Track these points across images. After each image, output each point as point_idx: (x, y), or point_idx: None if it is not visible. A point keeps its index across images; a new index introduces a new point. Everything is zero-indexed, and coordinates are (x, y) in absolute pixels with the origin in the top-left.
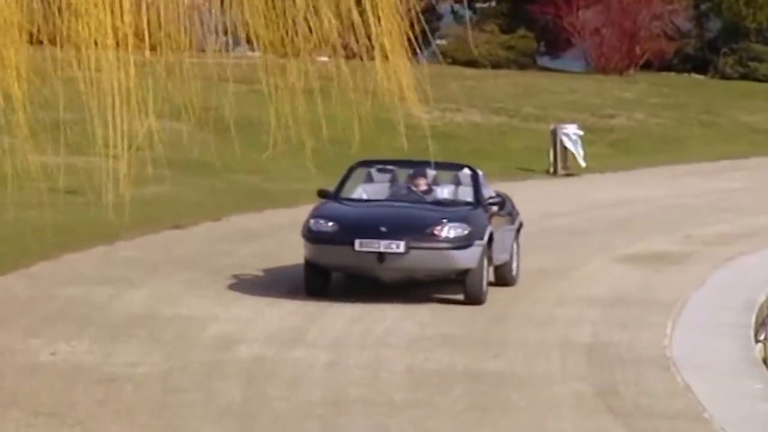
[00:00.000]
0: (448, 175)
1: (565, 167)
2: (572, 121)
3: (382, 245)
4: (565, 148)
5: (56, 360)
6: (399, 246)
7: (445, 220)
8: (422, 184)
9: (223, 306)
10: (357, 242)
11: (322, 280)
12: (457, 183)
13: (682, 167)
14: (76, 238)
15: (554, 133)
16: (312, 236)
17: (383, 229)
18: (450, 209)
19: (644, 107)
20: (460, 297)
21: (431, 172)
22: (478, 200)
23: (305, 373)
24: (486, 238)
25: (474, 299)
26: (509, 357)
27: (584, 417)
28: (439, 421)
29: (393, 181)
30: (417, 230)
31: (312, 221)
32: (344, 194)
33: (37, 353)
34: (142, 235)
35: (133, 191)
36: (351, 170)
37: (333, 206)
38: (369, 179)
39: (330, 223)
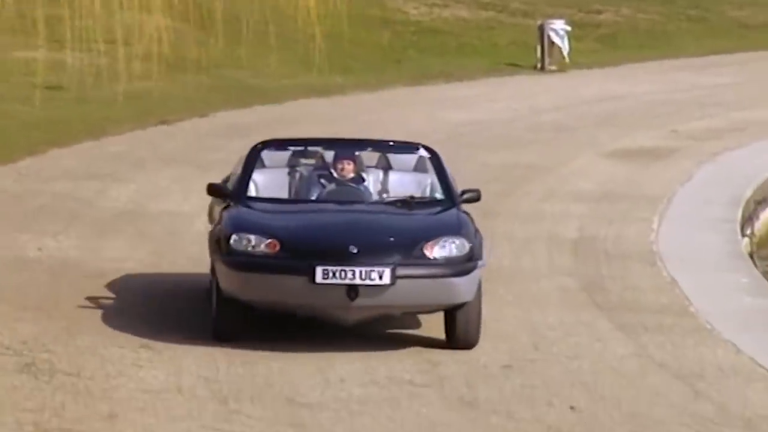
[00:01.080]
0: (394, 159)
1: (552, 63)
2: (559, 17)
3: (357, 274)
4: (552, 44)
5: (43, 255)
6: (383, 275)
7: (438, 234)
8: (350, 171)
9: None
10: (319, 271)
11: (243, 317)
12: (409, 169)
13: (669, 62)
14: (63, 134)
15: (541, 29)
16: (238, 261)
17: (353, 249)
18: (424, 213)
19: (631, 2)
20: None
21: (370, 154)
22: (452, 196)
23: None
24: (485, 255)
25: (469, 343)
26: (496, 252)
27: (570, 311)
28: (423, 315)
29: (295, 165)
30: (403, 250)
31: (234, 237)
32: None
33: (24, 248)
34: (129, 131)
35: (119, 87)
36: (256, 153)
37: (251, 213)
38: (271, 164)
39: (267, 241)
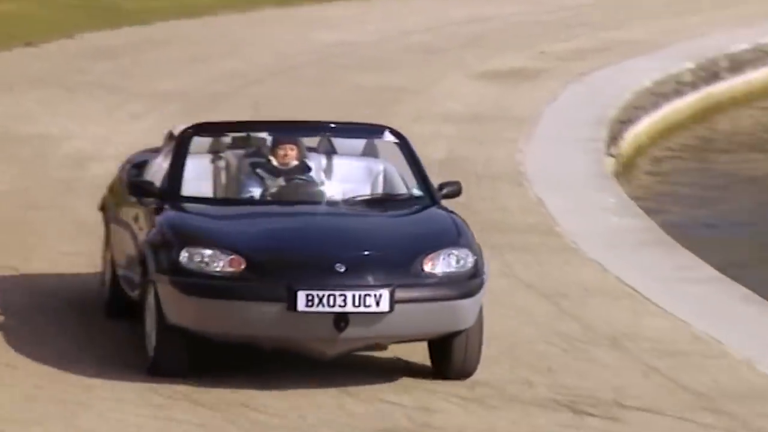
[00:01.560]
0: (340, 142)
1: None
2: None
3: (349, 300)
4: None
5: None
6: (380, 299)
7: (437, 244)
8: (293, 157)
9: (79, 124)
10: (301, 297)
11: (190, 349)
12: (356, 154)
13: None
14: None
15: None
16: (191, 285)
17: (340, 267)
18: (406, 216)
19: None
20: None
21: (319, 139)
22: (431, 192)
23: None
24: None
25: (466, 373)
26: None
27: None
28: None
29: (218, 150)
30: (400, 266)
31: (184, 254)
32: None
33: None
34: None
35: None
36: (187, 140)
37: (198, 219)
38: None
39: (228, 258)
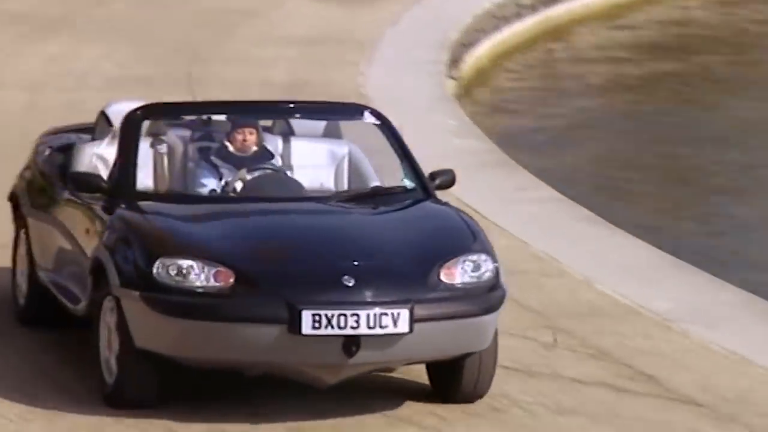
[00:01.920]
0: (308, 124)
1: None
2: None
3: (363, 320)
4: None
5: None
6: (398, 319)
7: (452, 249)
8: (252, 142)
9: None
10: (307, 317)
11: (159, 377)
12: (316, 135)
13: None
14: None
15: None
16: (170, 303)
17: (349, 281)
18: (405, 213)
19: None
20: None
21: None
22: (424, 183)
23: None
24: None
25: (477, 396)
26: (210, 95)
27: None
28: None
29: (158, 133)
30: (416, 277)
31: (158, 265)
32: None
33: None
34: None
35: None
36: (136, 124)
37: (169, 222)
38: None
39: (214, 270)
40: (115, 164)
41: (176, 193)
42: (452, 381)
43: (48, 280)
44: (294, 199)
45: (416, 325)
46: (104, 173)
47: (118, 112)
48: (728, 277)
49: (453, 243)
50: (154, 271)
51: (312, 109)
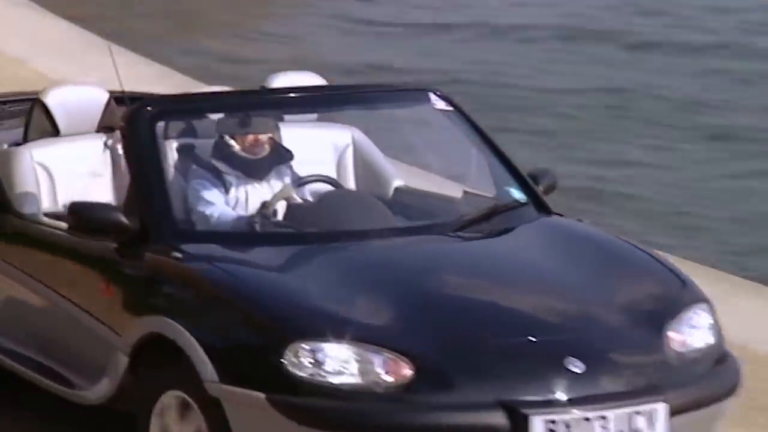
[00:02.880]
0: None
1: None
2: None
3: (611, 423)
4: None
5: None
6: (654, 417)
7: (670, 302)
8: (264, 140)
9: None
10: (538, 424)
11: None
12: (310, 118)
13: None
14: None
15: None
16: (331, 410)
17: (577, 366)
18: (552, 239)
19: None
20: None
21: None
22: (533, 191)
23: None
24: None
25: None
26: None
27: None
28: None
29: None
30: (652, 351)
31: (288, 352)
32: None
33: None
34: None
35: None
36: (151, 130)
37: (273, 281)
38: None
39: (382, 358)
40: (133, 192)
41: (223, 231)
42: None
43: (8, 350)
44: (398, 232)
45: (674, 420)
46: (48, 192)
47: (61, 102)
48: None
49: (664, 292)
50: (287, 361)
51: (368, 97)
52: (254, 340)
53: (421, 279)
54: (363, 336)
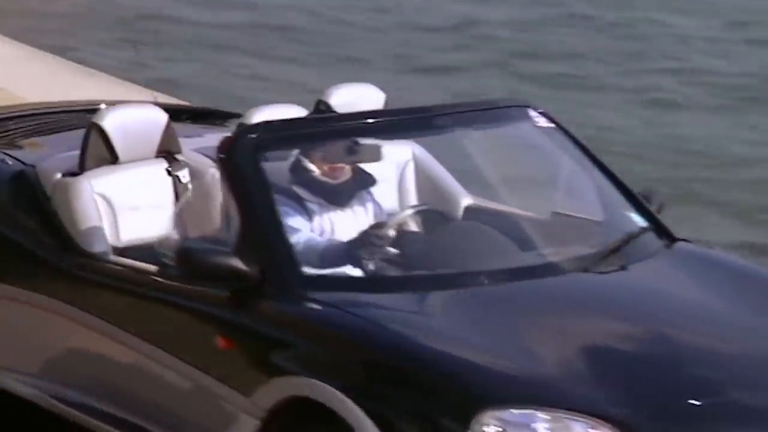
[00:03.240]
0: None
1: None
2: None
3: None
4: None
5: None
6: None
7: None
8: (345, 166)
9: None
10: None
11: None
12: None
13: None
14: None
15: None
16: None
17: None
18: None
19: None
20: None
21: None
22: (651, 215)
23: None
24: None
25: None
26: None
27: None
28: None
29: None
30: None
31: (480, 424)
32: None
33: None
34: None
35: None
36: (255, 159)
37: (446, 339)
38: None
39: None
40: (244, 234)
41: (354, 275)
42: None
43: (28, 389)
44: (541, 270)
45: None
46: (110, 225)
47: (119, 126)
48: None
49: None
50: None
51: (461, 119)
52: (429, 407)
53: (594, 326)
54: (558, 400)
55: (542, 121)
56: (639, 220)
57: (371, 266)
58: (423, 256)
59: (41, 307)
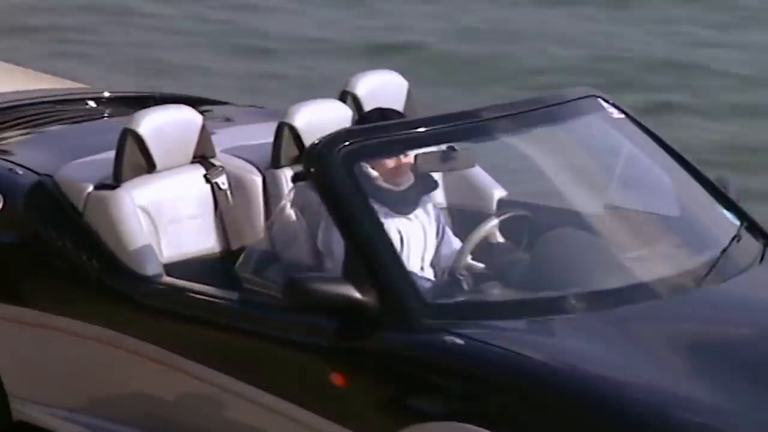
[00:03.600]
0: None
1: None
2: None
3: None
4: None
5: None
6: None
7: None
8: (407, 168)
9: None
10: None
11: None
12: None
13: None
14: None
15: None
16: None
17: None
18: None
19: None
20: None
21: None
22: (746, 215)
23: None
24: None
25: None
26: None
27: None
28: None
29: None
30: None
31: None
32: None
33: None
34: None
35: None
36: (349, 175)
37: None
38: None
39: None
40: (354, 257)
41: (480, 300)
42: None
43: (59, 423)
44: (661, 289)
45: None
46: (153, 242)
47: (156, 131)
48: None
49: None
50: None
51: (536, 116)
52: None
53: (738, 348)
54: None
55: (614, 112)
56: (732, 218)
57: (479, 294)
58: (535, 272)
59: (80, 335)
